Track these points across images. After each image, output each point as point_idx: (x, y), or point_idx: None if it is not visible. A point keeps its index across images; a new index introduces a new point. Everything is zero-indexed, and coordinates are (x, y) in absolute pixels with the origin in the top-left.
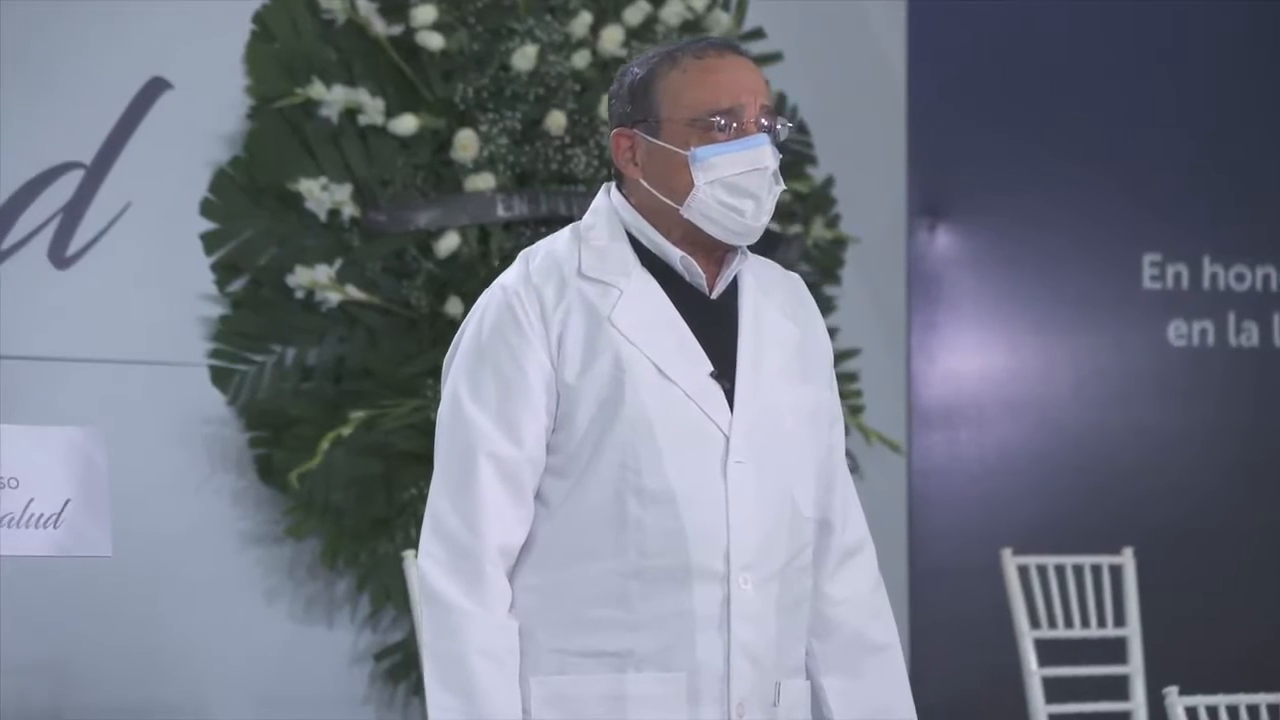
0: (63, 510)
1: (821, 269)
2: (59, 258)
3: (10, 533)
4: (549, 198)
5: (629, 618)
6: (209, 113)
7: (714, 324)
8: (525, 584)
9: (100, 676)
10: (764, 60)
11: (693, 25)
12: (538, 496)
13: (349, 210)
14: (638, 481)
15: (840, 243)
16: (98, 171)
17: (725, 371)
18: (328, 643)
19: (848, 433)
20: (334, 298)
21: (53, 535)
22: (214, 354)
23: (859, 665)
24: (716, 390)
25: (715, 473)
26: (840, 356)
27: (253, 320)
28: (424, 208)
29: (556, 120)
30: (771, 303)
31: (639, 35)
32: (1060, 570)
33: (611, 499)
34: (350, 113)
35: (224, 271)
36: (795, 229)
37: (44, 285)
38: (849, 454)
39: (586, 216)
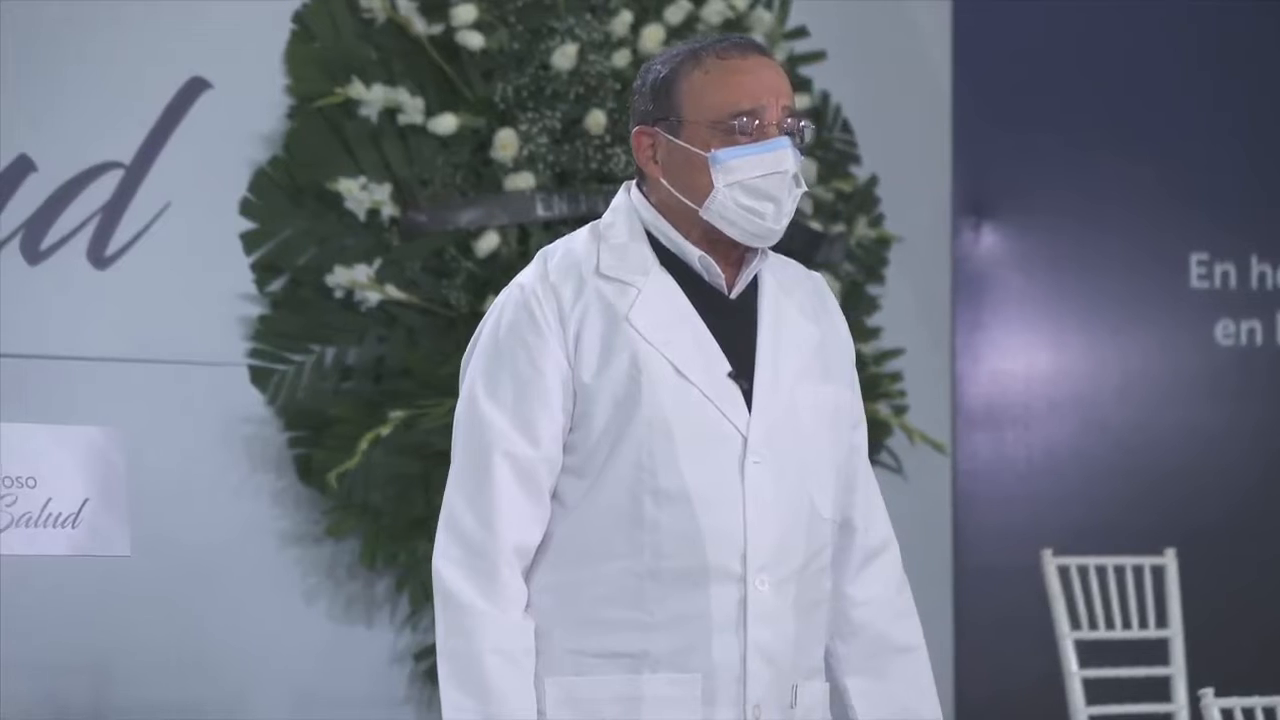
0: (81, 510)
1: (865, 268)
2: (98, 257)
3: (28, 532)
4: (589, 197)
5: (645, 618)
6: (249, 112)
7: (733, 323)
8: (541, 584)
9: (140, 676)
10: (807, 59)
11: (734, 24)
12: (554, 496)
13: (388, 210)
14: (653, 481)
15: (884, 242)
16: (137, 171)
17: (744, 371)
18: (367, 643)
19: (890, 433)
20: (373, 297)
21: (71, 535)
22: (253, 354)
23: (883, 667)
24: (734, 390)
25: (732, 473)
26: (884, 356)
27: (292, 320)
28: (464, 207)
29: (596, 119)
30: (792, 302)
31: (680, 34)
32: (1101, 571)
33: (627, 499)
34: (390, 112)
35: (263, 271)
36: (838, 228)
37: (83, 285)
38: (891, 454)
39: (606, 215)
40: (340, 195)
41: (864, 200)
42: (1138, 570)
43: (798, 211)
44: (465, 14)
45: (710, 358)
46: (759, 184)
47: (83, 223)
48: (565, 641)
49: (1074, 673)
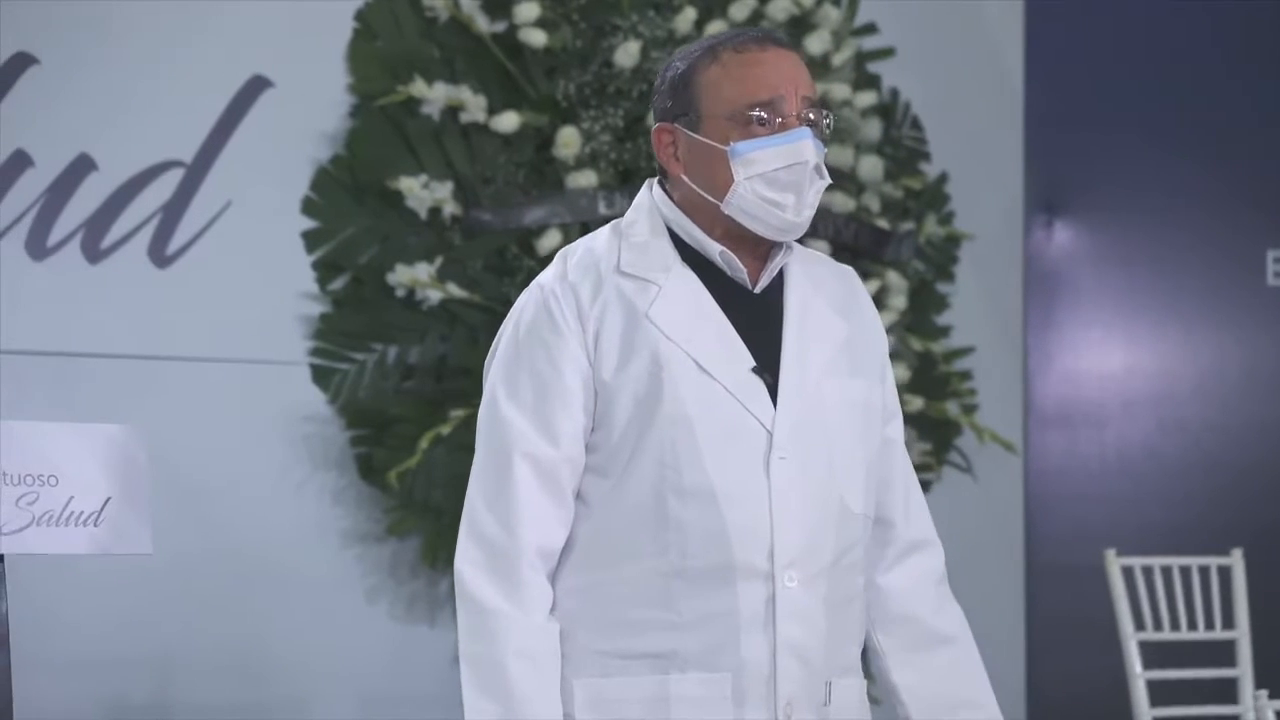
0: (103, 508)
1: (935, 266)
2: (159, 256)
3: (50, 530)
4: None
5: (672, 618)
6: (310, 111)
7: (758, 319)
8: (567, 586)
9: (202, 675)
10: (875, 56)
11: (800, 20)
12: (579, 496)
13: (450, 208)
14: (677, 479)
15: (954, 240)
16: (198, 170)
17: (769, 367)
18: (430, 642)
19: (960, 432)
20: (435, 296)
21: (93, 533)
22: (315, 353)
23: (928, 658)
24: (759, 385)
25: (757, 469)
26: (953, 354)
27: (354, 319)
28: (526, 206)
29: None
30: (820, 297)
31: None
32: (1166, 571)
33: (651, 497)
34: (452, 110)
35: (325, 270)
36: (908, 226)
37: (144, 284)
38: (961, 453)
39: (628, 213)
40: (402, 194)
41: (934, 198)
42: (1204, 571)
43: (863, 210)
44: (528, 12)
45: (734, 353)
46: (779, 175)
47: (143, 222)
48: (592, 643)
49: (1138, 674)
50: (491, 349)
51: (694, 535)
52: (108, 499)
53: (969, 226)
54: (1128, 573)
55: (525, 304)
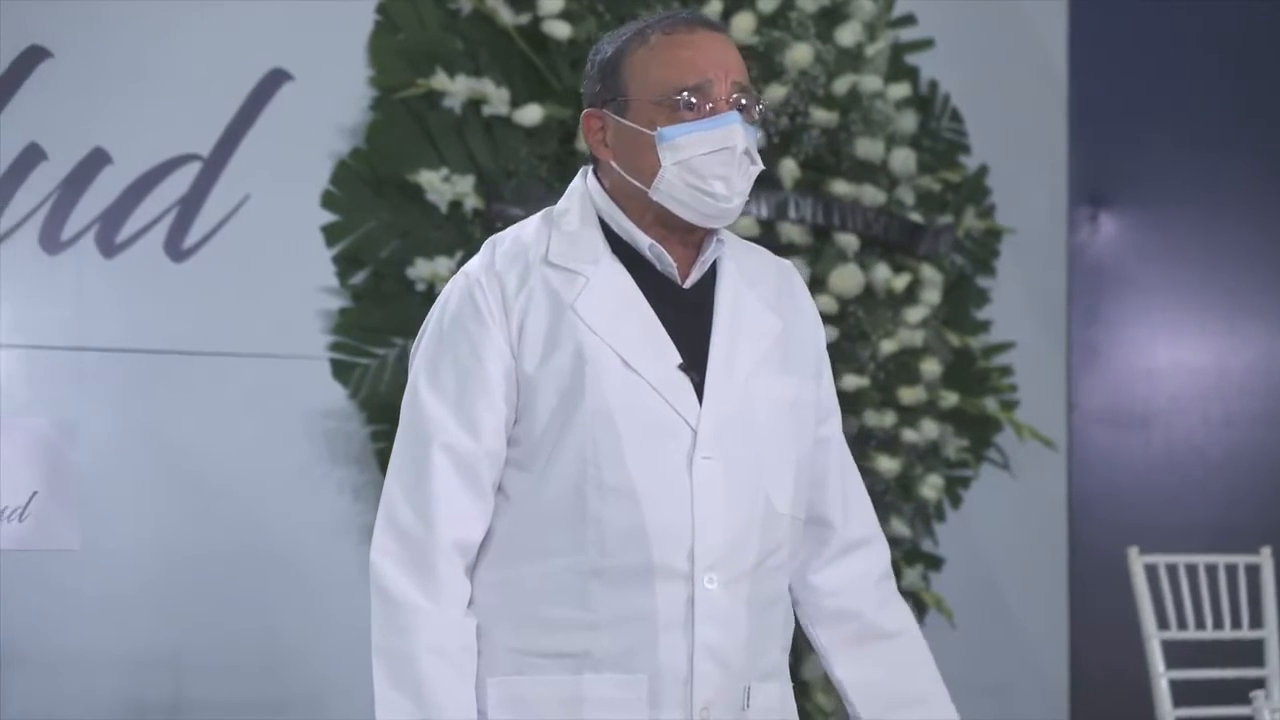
0: (29, 503)
1: (975, 260)
2: (175, 250)
3: None
4: None
5: (588, 617)
6: (330, 104)
7: (687, 314)
8: (485, 580)
9: (220, 672)
10: (914, 47)
11: (831, 11)
12: (500, 490)
13: (471, 202)
14: (598, 476)
15: (995, 234)
16: (215, 164)
17: (697, 363)
18: None
19: (1000, 429)
20: None
21: (17, 529)
22: (335, 347)
23: (869, 653)
24: (684, 382)
25: (680, 468)
26: (993, 350)
27: (374, 313)
28: (550, 199)
29: None
30: (753, 292)
31: (772, 22)
32: (1192, 570)
33: (571, 494)
34: (474, 103)
35: (345, 264)
36: (945, 219)
37: (160, 278)
38: (999, 450)
39: (561, 201)
40: (422, 188)
41: (974, 191)
42: (1231, 569)
43: (897, 203)
44: (552, 3)
45: (660, 349)
46: (707, 161)
47: (160, 216)
48: (508, 640)
49: (1160, 674)
50: (417, 337)
51: (613, 533)
52: (34, 494)
53: (1012, 220)
54: (1152, 571)
55: (451, 292)
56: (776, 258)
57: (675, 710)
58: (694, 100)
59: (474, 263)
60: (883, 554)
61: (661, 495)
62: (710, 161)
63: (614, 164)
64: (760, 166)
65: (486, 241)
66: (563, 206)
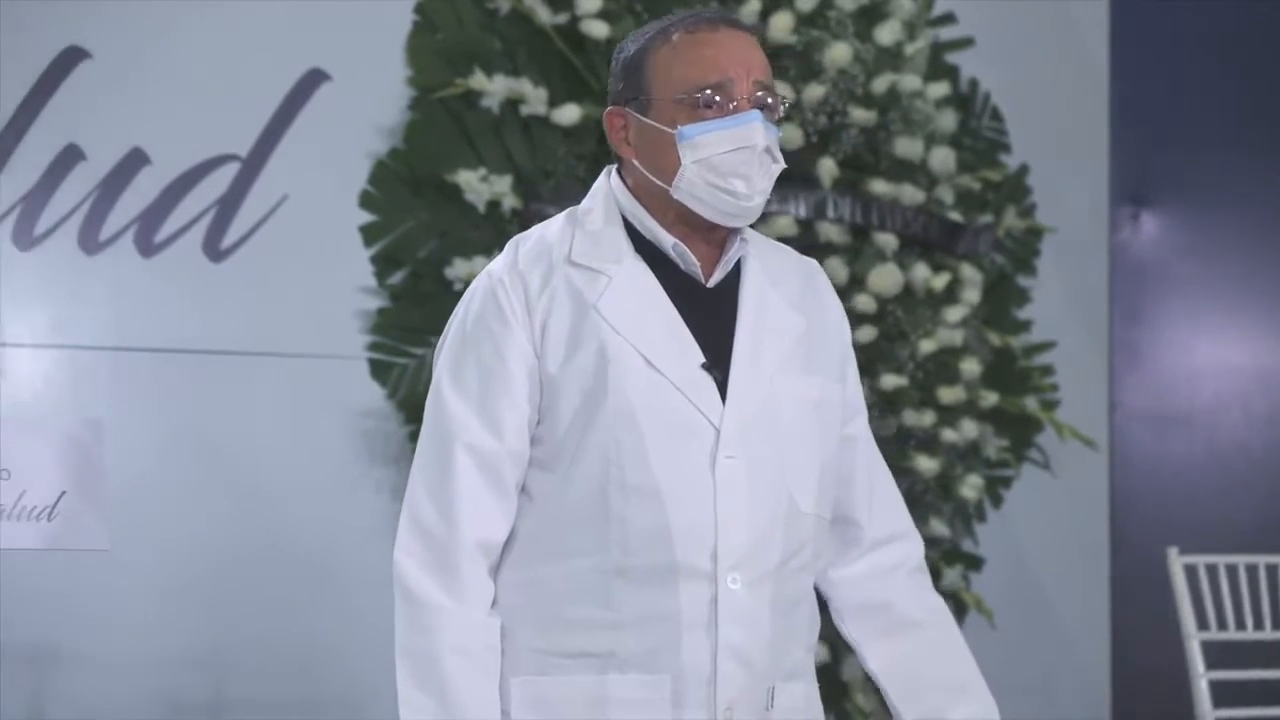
0: (57, 503)
1: (1016, 260)
2: (214, 251)
3: (1, 525)
4: None
5: (612, 617)
6: (368, 104)
7: (711, 313)
8: (509, 580)
9: (259, 673)
10: (953, 46)
11: (870, 10)
12: (524, 490)
13: (509, 201)
14: (621, 476)
15: (1035, 233)
16: (254, 164)
17: (720, 363)
18: None
19: (1041, 429)
20: None
21: (46, 528)
22: (373, 347)
23: (900, 643)
24: (707, 382)
25: (703, 467)
26: (1034, 349)
27: (412, 313)
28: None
29: None
30: (777, 291)
31: (810, 21)
32: (1232, 570)
33: (595, 493)
34: (512, 103)
35: (383, 264)
36: (985, 218)
37: (198, 278)
38: (1040, 450)
39: (585, 200)
40: (460, 187)
41: (1014, 190)
42: (1271, 570)
43: (935, 201)
44: (590, 3)
45: (683, 348)
46: (727, 160)
47: (198, 216)
48: (531, 640)
49: (1200, 674)
50: (441, 336)
51: (636, 533)
52: (62, 493)
53: (1052, 219)
54: (1191, 571)
55: (474, 292)
56: (801, 256)
57: (698, 710)
58: (715, 98)
59: (497, 262)
60: (915, 549)
61: (684, 495)
62: (730, 160)
63: (636, 162)
64: (782, 165)
65: (510, 241)
66: (586, 205)
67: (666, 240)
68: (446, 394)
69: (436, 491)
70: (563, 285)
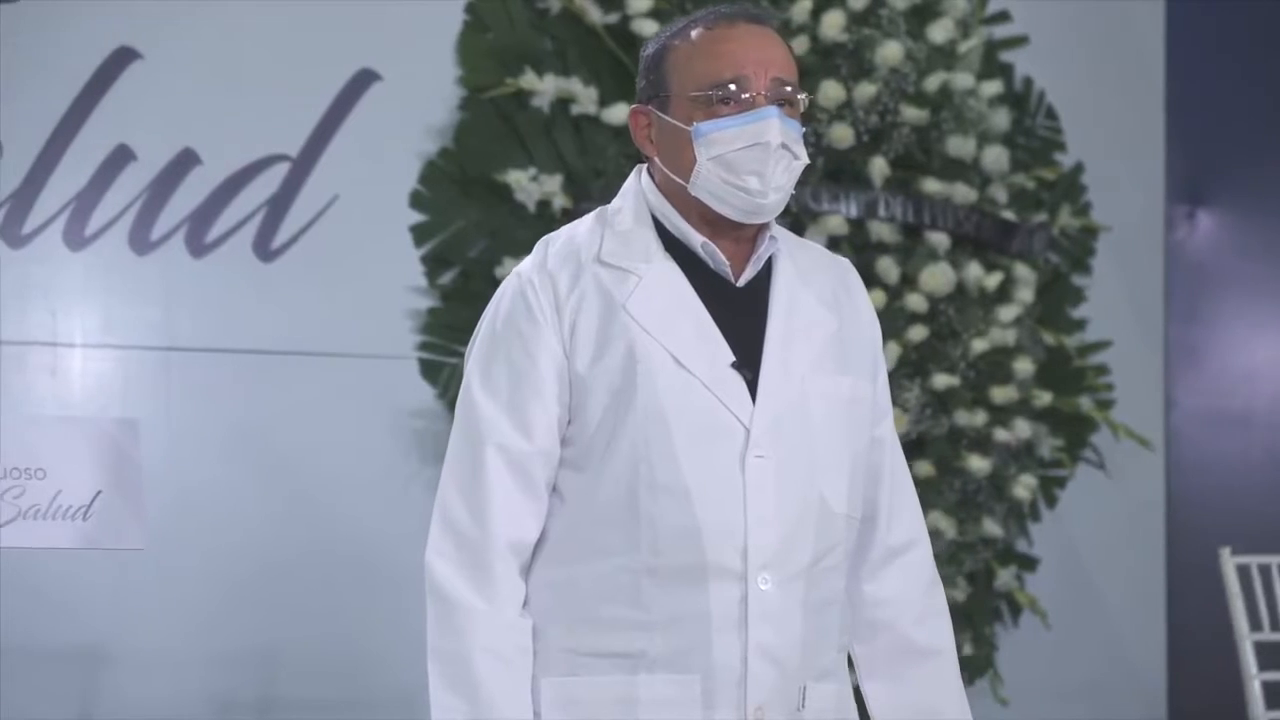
0: (93, 502)
1: (1070, 259)
2: (264, 251)
3: (36, 524)
4: None
5: (642, 617)
6: (419, 104)
7: (741, 312)
8: (540, 580)
9: (309, 671)
10: (1008, 44)
11: (922, 10)
12: (555, 490)
13: (559, 201)
14: (650, 475)
15: (1090, 231)
16: (304, 164)
17: (751, 362)
18: None
19: (1096, 429)
20: None
21: (81, 527)
22: (423, 347)
23: (904, 670)
24: (737, 381)
25: (733, 466)
26: (1088, 349)
27: (463, 313)
28: None
29: None
30: (809, 290)
31: (862, 20)
32: None
33: (624, 493)
34: (562, 102)
35: (434, 264)
36: (1040, 217)
37: (249, 278)
38: (1095, 450)
39: (616, 199)
40: (510, 187)
41: (1069, 188)
42: None
43: (988, 200)
44: (640, 2)
45: (713, 347)
46: (741, 156)
47: (248, 216)
48: (561, 640)
49: (1253, 675)
50: (472, 336)
51: (665, 533)
52: (98, 493)
53: (1108, 218)
54: (1244, 572)
55: (504, 293)
56: (833, 255)
57: (729, 711)
58: (730, 95)
59: (527, 262)
60: (926, 557)
61: (714, 494)
62: (744, 157)
63: (658, 160)
64: (804, 161)
65: (539, 241)
66: (616, 205)
67: (695, 239)
68: (477, 394)
69: (468, 492)
70: (592, 285)
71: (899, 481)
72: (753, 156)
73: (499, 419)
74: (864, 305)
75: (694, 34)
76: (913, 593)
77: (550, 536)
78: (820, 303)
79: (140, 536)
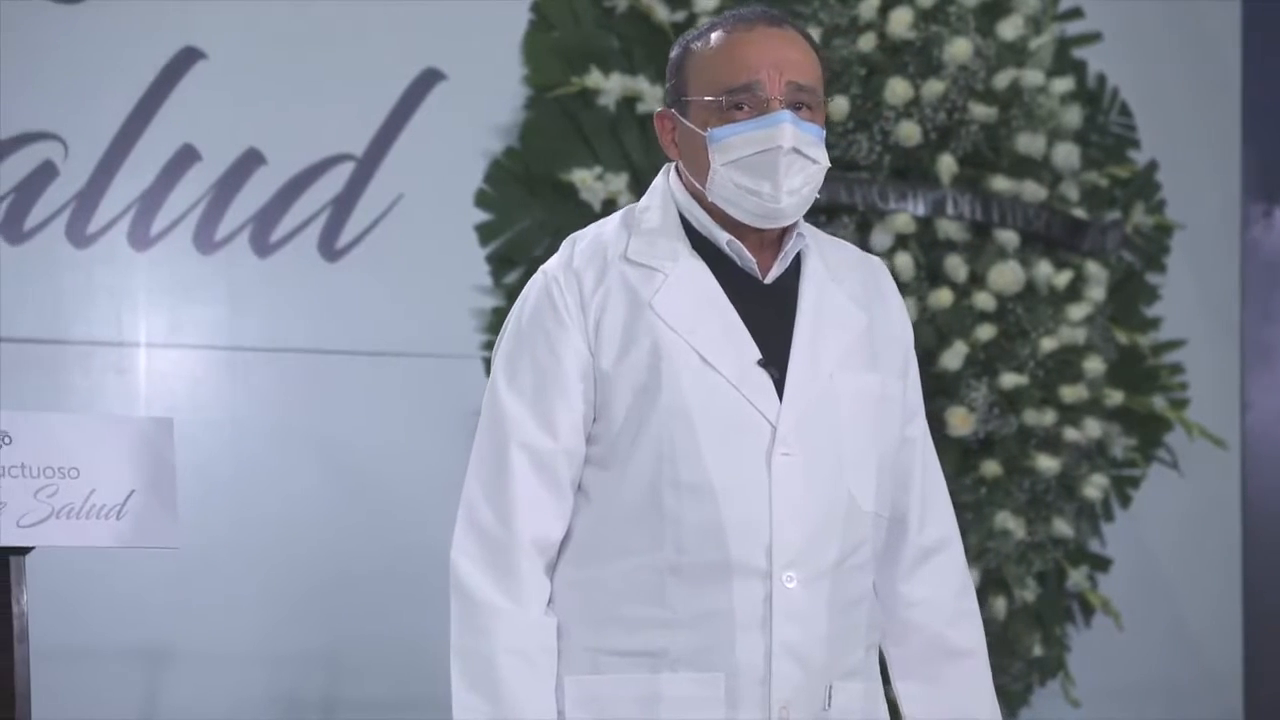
0: (126, 502)
1: (1144, 257)
2: (329, 250)
3: (69, 523)
4: (829, 184)
5: (665, 615)
6: (484, 103)
7: (769, 310)
8: (565, 579)
9: (371, 671)
10: (1081, 41)
11: (992, 7)
12: (580, 488)
13: (625, 200)
14: (674, 473)
15: (1165, 229)
16: (369, 164)
17: (779, 359)
18: None
19: (1169, 428)
20: None
21: (115, 526)
22: (488, 346)
23: (937, 671)
24: (764, 378)
25: (759, 464)
26: (1163, 348)
27: None
28: None
29: (838, 106)
30: (839, 288)
31: (930, 17)
32: None
33: (648, 491)
34: (628, 101)
35: (499, 263)
36: (1113, 215)
37: (314, 278)
38: (1169, 449)
39: (644, 198)
40: (575, 186)
41: (1143, 186)
42: None
43: (1059, 198)
44: (708, 1)
45: (739, 345)
46: (753, 161)
47: (313, 215)
48: (585, 639)
49: None
50: (499, 335)
51: (690, 531)
52: (131, 492)
53: (1183, 216)
54: None
55: (529, 291)
56: (864, 253)
57: (753, 710)
58: (744, 100)
59: (553, 261)
60: (958, 558)
61: (739, 492)
62: (757, 162)
63: (681, 164)
64: (822, 165)
65: (567, 239)
66: (645, 204)
67: (721, 237)
68: (502, 393)
69: (492, 491)
70: (617, 282)
71: (931, 481)
72: (764, 162)
73: (524, 417)
74: (895, 304)
75: (713, 37)
76: (946, 594)
77: (575, 535)
78: (850, 300)
79: (174, 536)
